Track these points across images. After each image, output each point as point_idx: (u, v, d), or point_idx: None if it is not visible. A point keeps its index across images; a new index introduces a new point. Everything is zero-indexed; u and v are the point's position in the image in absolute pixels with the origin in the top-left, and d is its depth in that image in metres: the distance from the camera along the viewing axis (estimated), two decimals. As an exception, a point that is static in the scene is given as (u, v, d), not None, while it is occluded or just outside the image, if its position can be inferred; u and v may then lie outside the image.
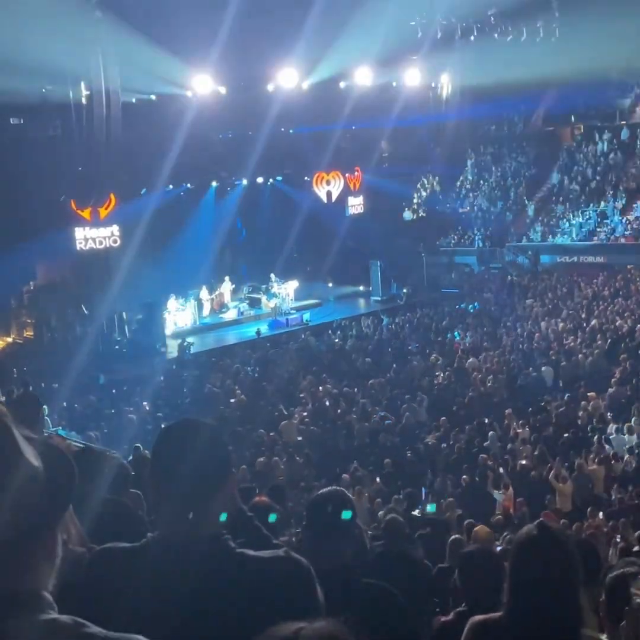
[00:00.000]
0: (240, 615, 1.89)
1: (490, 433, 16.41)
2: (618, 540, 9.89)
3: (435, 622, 3.98)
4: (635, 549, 7.57)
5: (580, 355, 21.25)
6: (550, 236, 34.04)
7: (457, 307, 28.83)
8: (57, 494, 1.45)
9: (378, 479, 15.02)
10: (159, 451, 2.13)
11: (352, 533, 3.19)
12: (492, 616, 2.78)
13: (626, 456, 14.92)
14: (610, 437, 15.86)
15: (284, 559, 2.05)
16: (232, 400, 19.76)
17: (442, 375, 20.96)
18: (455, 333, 25.09)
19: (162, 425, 16.98)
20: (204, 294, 29.53)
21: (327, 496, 3.17)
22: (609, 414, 17.46)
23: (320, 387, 20.56)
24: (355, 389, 20.43)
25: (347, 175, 33.07)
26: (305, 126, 31.25)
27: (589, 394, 18.37)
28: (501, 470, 14.52)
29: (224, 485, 2.12)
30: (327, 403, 19.32)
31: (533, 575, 2.58)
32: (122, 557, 2.06)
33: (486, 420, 17.45)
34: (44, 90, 24.34)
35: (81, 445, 10.21)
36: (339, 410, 18.80)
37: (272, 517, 3.37)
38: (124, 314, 26.86)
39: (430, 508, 10.80)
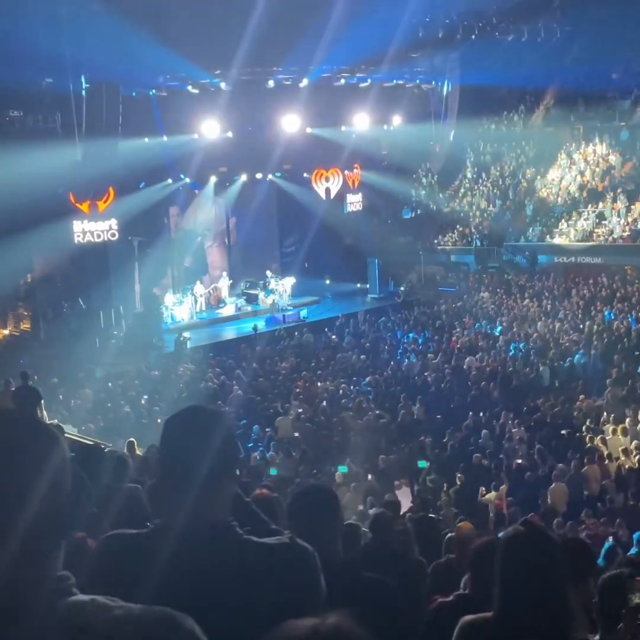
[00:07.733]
0: (247, 600, 1.93)
1: (483, 431, 16.42)
2: (610, 540, 9.91)
3: (433, 603, 3.91)
4: (634, 550, 7.58)
5: (576, 356, 21.30)
6: (548, 236, 34.06)
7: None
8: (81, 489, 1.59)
9: (370, 476, 15.05)
10: (168, 438, 2.14)
11: (334, 527, 3.18)
12: (482, 616, 2.77)
13: (621, 457, 14.97)
14: (606, 438, 15.90)
15: (289, 545, 2.10)
16: (230, 396, 19.76)
17: (438, 374, 20.95)
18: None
19: (158, 420, 16.99)
20: (198, 288, 29.54)
21: (308, 490, 3.20)
22: (605, 414, 17.49)
23: (319, 383, 20.61)
24: (352, 387, 20.45)
25: (346, 172, 33.03)
26: (306, 125, 31.17)
27: (580, 396, 18.44)
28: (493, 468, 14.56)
29: (231, 472, 2.16)
30: (324, 400, 19.33)
31: (520, 574, 2.57)
32: (130, 543, 2.09)
33: (482, 420, 17.45)
34: (44, 82, 24.30)
35: (81, 439, 10.24)
36: (333, 407, 18.81)
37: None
38: (120, 307, 26.83)
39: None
